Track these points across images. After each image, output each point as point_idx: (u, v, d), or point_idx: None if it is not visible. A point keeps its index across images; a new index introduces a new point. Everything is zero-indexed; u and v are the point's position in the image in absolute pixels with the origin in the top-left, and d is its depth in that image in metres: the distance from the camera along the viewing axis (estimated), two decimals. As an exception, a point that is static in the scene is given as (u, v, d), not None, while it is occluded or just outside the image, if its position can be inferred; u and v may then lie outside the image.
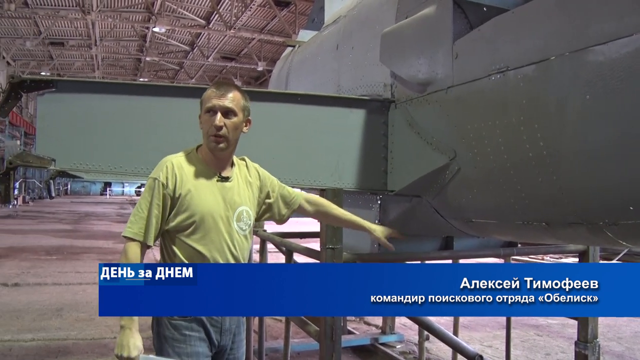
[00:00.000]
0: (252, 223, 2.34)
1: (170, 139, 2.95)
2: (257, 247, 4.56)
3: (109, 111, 2.91)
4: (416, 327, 5.86)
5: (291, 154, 3.01)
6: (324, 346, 2.86)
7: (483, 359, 3.53)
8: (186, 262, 2.13)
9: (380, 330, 6.29)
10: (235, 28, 25.95)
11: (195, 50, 31.74)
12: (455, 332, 4.79)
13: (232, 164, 2.32)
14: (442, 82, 2.83)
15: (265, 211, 2.46)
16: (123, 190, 53.96)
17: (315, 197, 2.66)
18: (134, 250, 2.10)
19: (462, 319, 5.37)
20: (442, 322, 6.52)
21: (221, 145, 2.19)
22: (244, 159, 2.40)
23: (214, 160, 2.25)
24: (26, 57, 34.56)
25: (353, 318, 7.17)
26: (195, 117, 3.05)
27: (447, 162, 2.85)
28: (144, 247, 2.13)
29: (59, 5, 24.73)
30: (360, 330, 6.66)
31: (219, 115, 2.17)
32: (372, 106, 3.30)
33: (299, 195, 2.55)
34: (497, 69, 2.43)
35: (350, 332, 6.29)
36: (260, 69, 31.34)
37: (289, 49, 5.92)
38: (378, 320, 6.71)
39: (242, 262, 2.27)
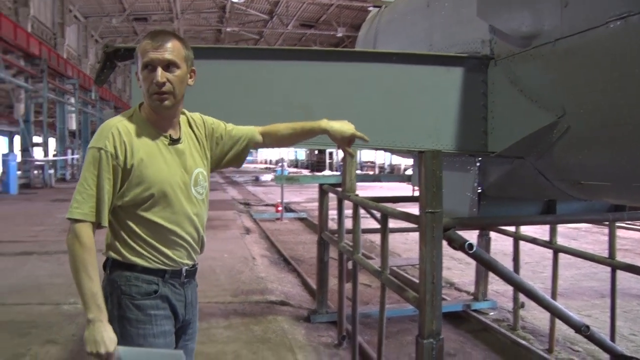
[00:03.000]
0: (208, 185, 2.19)
1: (262, 103, 2.93)
2: (348, 212, 4.52)
3: (201, 76, 2.93)
4: (509, 294, 5.70)
5: (387, 116, 2.91)
6: (425, 313, 2.79)
7: (590, 330, 3.35)
8: (145, 237, 1.99)
9: (472, 297, 6.17)
10: (313, -6, 25.84)
11: (274, 18, 31.97)
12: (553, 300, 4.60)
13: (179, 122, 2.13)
14: (549, 34, 2.63)
15: (220, 158, 2.28)
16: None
17: (267, 127, 2.36)
18: (87, 234, 1.88)
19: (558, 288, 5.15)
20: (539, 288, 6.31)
21: (166, 103, 1.96)
22: (183, 113, 2.17)
23: (159, 120, 2.04)
24: (112, 34, 36.14)
25: (443, 284, 7.07)
26: (280, 80, 3.01)
27: (555, 121, 2.67)
28: (95, 228, 1.92)
29: (142, -19, 25.54)
30: (451, 296, 6.56)
31: (159, 70, 1.93)
32: (470, 64, 3.13)
33: (250, 130, 2.32)
34: (617, 15, 2.21)
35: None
36: (339, 35, 31.18)
37: (375, 9, 5.75)
38: (470, 287, 6.57)
39: (201, 229, 2.14)
